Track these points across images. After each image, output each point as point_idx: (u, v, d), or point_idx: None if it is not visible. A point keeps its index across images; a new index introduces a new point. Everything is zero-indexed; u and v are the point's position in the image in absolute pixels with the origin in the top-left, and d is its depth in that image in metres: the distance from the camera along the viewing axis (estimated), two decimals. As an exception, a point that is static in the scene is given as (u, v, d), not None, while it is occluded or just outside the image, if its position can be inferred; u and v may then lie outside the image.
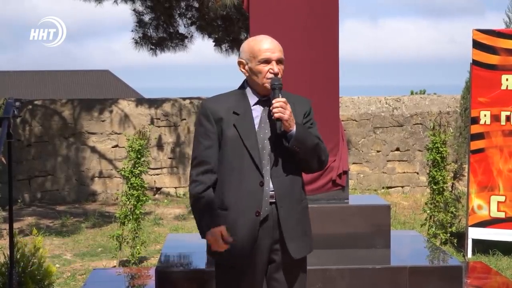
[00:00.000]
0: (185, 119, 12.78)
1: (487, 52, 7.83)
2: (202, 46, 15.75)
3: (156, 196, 12.64)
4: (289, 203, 3.71)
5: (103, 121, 12.64)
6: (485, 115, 7.85)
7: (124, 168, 7.66)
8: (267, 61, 3.70)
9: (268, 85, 3.69)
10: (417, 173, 12.90)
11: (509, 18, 9.17)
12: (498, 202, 7.84)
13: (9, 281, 3.79)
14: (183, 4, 13.24)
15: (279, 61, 3.72)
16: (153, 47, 13.46)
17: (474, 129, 7.90)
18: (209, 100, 3.82)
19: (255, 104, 3.75)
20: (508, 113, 7.79)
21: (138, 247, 7.64)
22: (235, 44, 13.25)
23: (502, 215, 7.84)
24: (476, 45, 7.86)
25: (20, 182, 12.31)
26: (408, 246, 6.54)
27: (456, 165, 9.35)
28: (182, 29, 13.48)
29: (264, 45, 3.72)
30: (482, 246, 8.08)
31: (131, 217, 7.61)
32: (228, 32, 13.23)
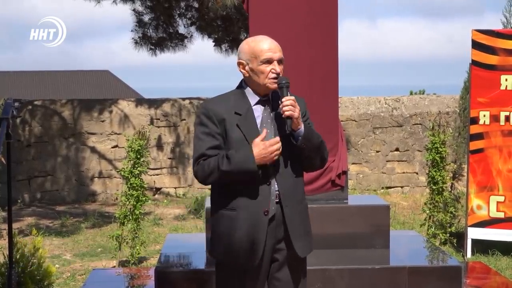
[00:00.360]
0: (184, 119, 12.78)
1: (486, 52, 7.83)
2: (201, 46, 15.76)
3: (156, 196, 12.64)
4: (293, 203, 3.73)
5: (102, 121, 12.64)
6: (484, 115, 7.85)
7: (124, 168, 7.66)
8: (269, 61, 3.71)
9: (270, 85, 3.70)
10: (417, 173, 12.91)
11: (506, 18, 9.17)
12: (498, 202, 7.85)
13: (8, 281, 3.79)
14: (182, 4, 13.24)
15: (279, 61, 3.74)
16: (153, 47, 13.46)
17: (473, 129, 7.90)
18: (210, 101, 3.81)
19: (256, 104, 3.76)
20: (507, 113, 7.79)
21: (137, 247, 7.65)
22: (235, 44, 13.26)
23: (501, 215, 7.84)
24: (475, 45, 7.87)
25: (20, 183, 12.31)
26: (408, 246, 6.55)
27: (455, 165, 9.36)
28: (181, 29, 13.50)
29: (266, 45, 3.73)
30: (481, 246, 8.08)
31: (130, 217, 7.62)
32: (228, 32, 13.24)
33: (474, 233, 7.93)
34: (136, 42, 13.41)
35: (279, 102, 3.67)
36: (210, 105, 3.76)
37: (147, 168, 8.00)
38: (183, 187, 12.77)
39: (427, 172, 8.65)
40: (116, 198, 11.34)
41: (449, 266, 5.75)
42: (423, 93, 17.05)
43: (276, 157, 3.63)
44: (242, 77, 3.85)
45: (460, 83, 9.78)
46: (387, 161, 12.94)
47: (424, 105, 13.04)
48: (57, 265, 7.73)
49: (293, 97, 3.65)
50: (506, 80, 7.79)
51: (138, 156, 7.60)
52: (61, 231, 9.84)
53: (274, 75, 3.70)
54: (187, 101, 12.91)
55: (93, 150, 12.60)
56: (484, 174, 7.88)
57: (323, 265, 5.44)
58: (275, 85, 3.70)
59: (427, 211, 8.57)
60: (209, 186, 3.82)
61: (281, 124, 3.70)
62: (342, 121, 12.22)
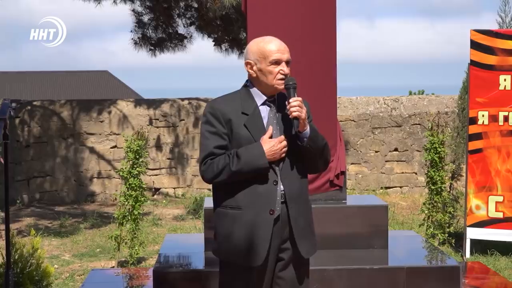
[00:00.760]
0: (183, 120, 12.78)
1: (485, 52, 7.83)
2: (201, 46, 15.77)
3: (155, 196, 12.64)
4: (298, 203, 3.74)
5: (101, 121, 12.64)
6: (483, 116, 7.85)
7: (123, 169, 7.66)
8: (277, 62, 3.71)
9: (278, 86, 3.71)
10: (416, 173, 12.91)
11: (501, 18, 9.16)
12: (496, 202, 7.84)
13: (5, 281, 3.79)
14: (182, 4, 13.24)
15: (287, 62, 3.75)
16: (152, 47, 13.47)
17: (472, 129, 7.90)
18: (217, 101, 3.81)
19: (262, 104, 3.77)
20: (506, 113, 7.79)
21: (136, 248, 7.65)
22: (234, 44, 13.27)
23: (500, 215, 7.84)
24: (474, 45, 7.87)
25: (18, 183, 12.31)
26: (406, 247, 6.55)
27: (454, 165, 9.35)
28: (181, 30, 13.50)
29: (275, 46, 3.74)
30: (480, 246, 8.08)
31: (129, 218, 7.62)
32: (228, 32, 13.24)
33: (473, 233, 7.93)
34: (135, 43, 13.42)
35: (286, 103, 3.68)
36: (217, 105, 3.76)
37: (146, 168, 8.01)
38: (182, 187, 12.77)
39: (426, 172, 8.65)
40: (115, 199, 11.36)
41: (447, 266, 5.75)
42: (422, 93, 17.06)
43: (284, 154, 3.66)
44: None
45: (459, 83, 9.77)
46: (386, 161, 12.94)
47: (423, 105, 13.04)
48: (56, 266, 7.73)
49: (300, 98, 3.67)
50: (504, 80, 7.79)
51: (137, 157, 7.61)
52: (60, 231, 9.83)
53: (282, 76, 3.71)
54: (186, 102, 12.91)
55: (92, 150, 12.60)
56: (483, 174, 7.88)
57: (321, 265, 5.44)
58: (283, 86, 3.71)
59: (426, 211, 8.57)
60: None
61: (287, 125, 3.71)
62: (341, 121, 12.23)
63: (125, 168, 7.63)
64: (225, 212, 3.71)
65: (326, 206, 6.00)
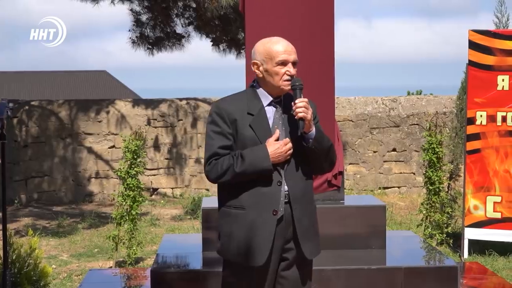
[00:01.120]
0: (181, 120, 12.77)
1: (483, 52, 7.84)
2: (199, 46, 15.77)
3: (153, 196, 12.64)
4: (302, 204, 3.74)
5: (99, 121, 12.64)
6: (481, 116, 7.86)
7: (121, 169, 7.66)
8: (283, 63, 3.72)
9: (284, 87, 3.72)
10: (414, 174, 12.91)
11: (498, 18, 9.17)
12: (494, 202, 7.85)
13: (3, 281, 3.79)
14: (180, 4, 13.24)
15: (294, 63, 3.75)
16: (150, 46, 13.46)
17: (470, 129, 7.90)
18: (223, 101, 3.81)
19: (268, 105, 3.77)
20: (504, 113, 7.80)
21: (134, 248, 7.64)
22: (232, 44, 13.26)
23: (498, 215, 7.84)
24: (472, 45, 7.87)
25: (16, 183, 12.30)
26: (404, 247, 6.55)
27: (452, 166, 9.36)
28: (179, 29, 13.49)
29: (281, 47, 3.74)
30: (478, 247, 8.08)
31: (127, 218, 7.61)
32: (226, 32, 13.22)
33: (471, 234, 7.93)
34: (133, 42, 13.41)
35: (293, 103, 3.67)
36: (223, 105, 3.76)
37: (144, 168, 8.01)
38: (180, 187, 12.76)
39: (424, 172, 8.65)
40: (113, 199, 11.35)
41: (445, 267, 5.75)
42: (420, 94, 17.06)
43: (289, 157, 3.67)
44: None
45: (457, 84, 9.78)
46: (384, 162, 12.94)
47: (421, 105, 13.04)
48: (53, 266, 7.73)
49: (306, 99, 3.67)
50: (503, 80, 7.79)
51: (135, 157, 7.60)
52: (58, 231, 9.83)
53: (288, 77, 3.71)
54: (184, 102, 12.90)
55: (90, 150, 12.59)
56: (481, 175, 7.88)
57: (319, 265, 5.40)
58: (289, 87, 3.72)
59: (424, 212, 8.57)
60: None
61: (293, 125, 3.72)
62: (339, 121, 12.23)
63: (123, 168, 7.63)
64: (229, 211, 3.73)
65: (324, 206, 5.99)
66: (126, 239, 7.67)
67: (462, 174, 8.59)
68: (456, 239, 8.47)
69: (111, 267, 7.65)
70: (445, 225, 8.53)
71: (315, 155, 3.72)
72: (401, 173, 12.94)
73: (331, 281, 5.49)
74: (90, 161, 12.59)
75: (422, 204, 8.69)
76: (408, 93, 17.41)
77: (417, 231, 8.55)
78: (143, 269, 7.21)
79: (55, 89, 41.63)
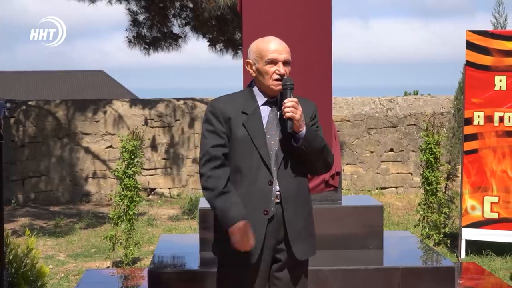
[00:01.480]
0: (179, 120, 12.77)
1: (480, 53, 7.84)
2: (196, 47, 15.75)
3: (150, 197, 12.63)
4: (295, 204, 3.72)
5: (97, 121, 12.63)
6: (478, 116, 7.86)
7: (118, 169, 7.65)
8: (273, 62, 3.70)
9: (274, 87, 3.70)
10: (411, 174, 12.91)
11: (496, 19, 9.17)
12: (492, 203, 7.85)
13: (0, 282, 3.78)
14: (177, 4, 13.23)
15: (285, 62, 3.72)
16: (147, 46, 13.45)
17: (468, 130, 7.91)
18: (218, 100, 3.80)
19: (263, 104, 3.76)
20: (501, 114, 7.80)
21: (131, 248, 7.64)
22: (229, 44, 13.26)
23: (495, 215, 7.85)
24: (469, 46, 7.87)
25: (13, 183, 12.29)
26: (401, 247, 6.54)
27: (449, 166, 9.36)
28: (176, 29, 13.49)
29: (272, 46, 3.73)
30: (475, 247, 8.09)
31: (124, 218, 7.61)
32: (223, 32, 13.23)
33: (468, 234, 7.94)
34: (130, 41, 13.40)
35: (283, 103, 3.66)
36: (218, 104, 3.75)
37: (141, 168, 8.00)
38: (177, 187, 12.76)
39: (421, 172, 8.65)
40: (110, 199, 11.35)
41: (443, 267, 5.74)
42: (417, 94, 17.07)
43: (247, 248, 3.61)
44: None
45: (455, 84, 9.78)
46: (381, 162, 12.95)
47: (419, 106, 13.05)
48: (50, 266, 7.72)
49: (295, 99, 3.64)
50: (500, 80, 7.80)
51: (132, 157, 7.60)
52: (55, 231, 9.82)
53: (277, 76, 3.68)
54: (181, 102, 12.90)
55: (87, 150, 12.58)
56: (478, 175, 7.88)
57: (316, 265, 5.41)
58: (279, 87, 3.69)
59: (421, 212, 8.57)
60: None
61: (282, 126, 3.70)
62: (336, 121, 12.23)
63: (120, 168, 7.63)
64: None
65: (321, 206, 5.98)
66: (123, 239, 7.67)
67: (459, 175, 8.59)
68: (453, 239, 8.47)
69: (108, 267, 7.64)
70: (443, 225, 8.53)
71: (305, 155, 3.69)
72: (398, 173, 12.95)
73: (328, 282, 5.49)
74: (87, 161, 12.58)
75: (419, 204, 8.69)
76: (406, 93, 17.42)
77: (414, 232, 8.55)
78: (140, 269, 7.21)
79: (52, 89, 41.60)
